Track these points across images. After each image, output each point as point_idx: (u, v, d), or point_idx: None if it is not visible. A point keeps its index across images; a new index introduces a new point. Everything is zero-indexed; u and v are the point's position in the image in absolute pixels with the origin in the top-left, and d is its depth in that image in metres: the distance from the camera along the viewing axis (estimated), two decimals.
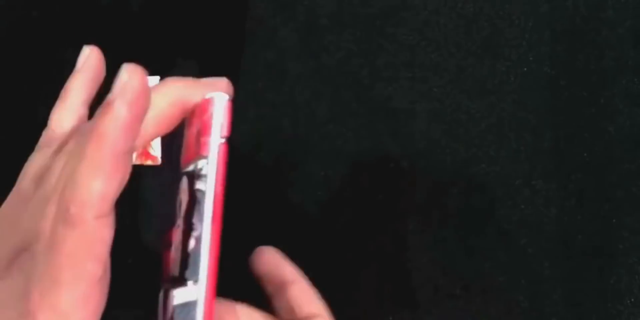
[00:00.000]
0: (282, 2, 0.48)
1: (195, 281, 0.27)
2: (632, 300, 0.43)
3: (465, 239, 0.47)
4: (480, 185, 0.47)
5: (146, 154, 0.46)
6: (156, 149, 0.46)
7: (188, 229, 0.28)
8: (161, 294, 0.31)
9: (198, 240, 0.28)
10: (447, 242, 0.47)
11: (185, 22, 0.47)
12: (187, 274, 0.28)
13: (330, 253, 0.46)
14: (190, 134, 0.30)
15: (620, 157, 0.47)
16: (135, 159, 0.46)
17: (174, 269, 0.29)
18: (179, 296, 0.28)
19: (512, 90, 0.47)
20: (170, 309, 0.30)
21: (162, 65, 0.47)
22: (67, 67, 0.47)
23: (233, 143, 0.29)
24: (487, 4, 0.47)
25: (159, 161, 0.46)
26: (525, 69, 0.47)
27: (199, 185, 0.28)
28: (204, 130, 0.28)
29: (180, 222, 0.29)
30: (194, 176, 0.28)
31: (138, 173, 0.47)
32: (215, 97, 0.30)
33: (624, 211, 0.46)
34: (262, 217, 0.46)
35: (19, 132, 0.47)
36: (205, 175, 0.28)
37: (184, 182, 0.29)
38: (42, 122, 0.37)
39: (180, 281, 0.28)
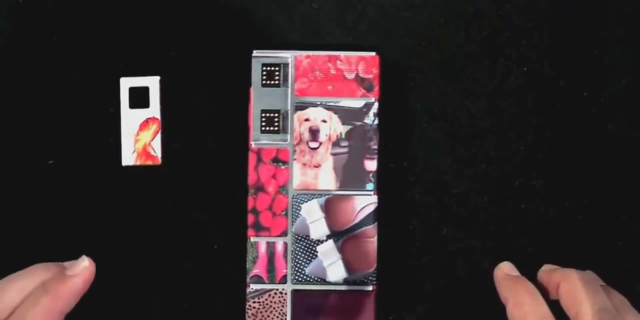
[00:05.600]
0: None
1: None
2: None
3: (464, 239, 0.47)
4: (480, 185, 0.47)
5: (146, 154, 0.46)
6: (156, 150, 0.46)
7: None
8: None
9: None
10: (446, 242, 0.47)
11: (185, 21, 0.47)
12: None
13: None
14: None
15: (620, 157, 0.47)
16: (136, 160, 0.46)
17: None
18: None
19: (512, 90, 0.47)
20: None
21: (161, 65, 0.47)
22: (62, 64, 0.47)
23: None
24: (487, 4, 0.47)
25: (159, 161, 0.46)
26: (525, 69, 0.47)
27: None
28: None
29: None
30: None
31: (139, 173, 0.47)
32: None
33: (625, 211, 0.46)
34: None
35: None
36: None
37: None
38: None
39: None
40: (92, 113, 0.47)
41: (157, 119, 0.46)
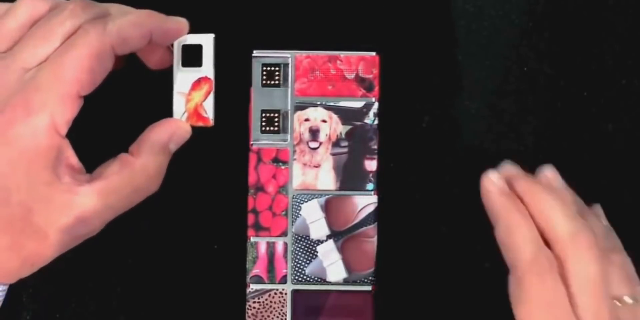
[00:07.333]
0: None
1: None
2: None
3: (464, 239, 0.47)
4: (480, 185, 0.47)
5: (197, 115, 0.45)
6: (208, 111, 0.45)
7: None
8: None
9: None
10: (446, 242, 0.47)
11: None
12: None
13: None
14: None
15: (620, 157, 0.47)
16: (187, 120, 0.44)
17: None
18: None
19: (512, 90, 0.47)
20: None
21: None
22: None
23: None
24: (487, 4, 0.47)
25: (210, 123, 0.45)
26: (525, 68, 0.47)
27: None
28: None
29: None
30: None
31: None
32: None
33: (624, 211, 0.46)
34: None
35: None
36: None
37: None
38: None
39: None
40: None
41: (210, 78, 0.44)
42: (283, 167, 0.46)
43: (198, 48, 0.44)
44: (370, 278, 0.46)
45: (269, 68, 0.46)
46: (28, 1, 0.41)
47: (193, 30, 0.47)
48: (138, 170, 0.41)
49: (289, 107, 0.46)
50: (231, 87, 0.47)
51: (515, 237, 0.41)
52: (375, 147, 0.46)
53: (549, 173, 0.44)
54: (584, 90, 0.47)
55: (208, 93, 0.44)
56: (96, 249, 0.46)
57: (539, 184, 0.43)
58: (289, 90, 0.46)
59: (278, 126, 0.46)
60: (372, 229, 0.46)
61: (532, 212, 0.42)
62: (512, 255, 0.42)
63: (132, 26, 0.41)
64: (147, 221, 0.47)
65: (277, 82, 0.46)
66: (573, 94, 0.47)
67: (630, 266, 0.43)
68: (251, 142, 0.46)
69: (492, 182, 0.44)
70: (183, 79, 0.44)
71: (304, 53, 0.46)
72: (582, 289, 0.40)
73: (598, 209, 0.46)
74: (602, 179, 0.47)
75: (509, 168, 0.44)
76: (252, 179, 0.46)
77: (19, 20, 0.40)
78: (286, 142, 0.46)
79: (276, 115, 0.46)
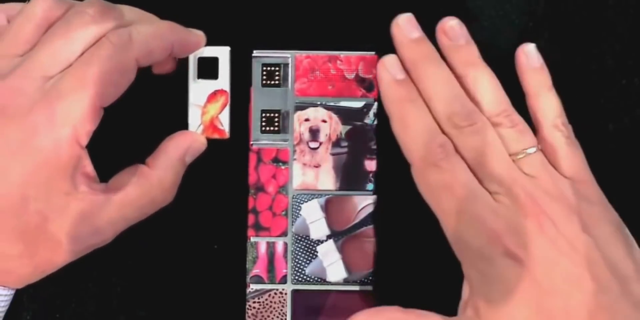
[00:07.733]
0: None
1: None
2: None
3: None
4: None
5: (213, 127, 0.45)
6: (224, 123, 0.45)
7: None
8: None
9: None
10: (446, 242, 0.47)
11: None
12: None
13: None
14: None
15: (621, 157, 0.47)
16: (202, 133, 0.45)
17: None
18: None
19: (512, 90, 0.47)
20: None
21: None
22: None
23: None
24: (487, 4, 0.47)
25: (226, 135, 0.45)
26: None
27: None
28: None
29: None
30: None
31: None
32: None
33: (624, 211, 0.46)
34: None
35: None
36: None
37: None
38: None
39: None
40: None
41: (226, 91, 0.45)
42: (283, 167, 0.46)
43: (213, 60, 0.44)
44: (370, 278, 0.46)
45: (269, 68, 0.46)
46: (41, 1, 0.40)
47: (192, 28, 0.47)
48: (155, 182, 0.41)
49: (289, 107, 0.46)
50: (231, 87, 0.47)
51: (406, 132, 0.41)
52: (375, 147, 0.46)
53: (449, 28, 0.42)
54: (584, 90, 0.47)
55: (224, 105, 0.44)
56: (96, 249, 0.46)
57: (424, 51, 0.42)
58: (289, 90, 0.46)
59: (278, 126, 0.46)
60: (371, 229, 0.46)
61: (419, 89, 0.42)
62: (406, 152, 0.42)
63: (155, 39, 0.41)
64: (147, 221, 0.47)
65: (277, 82, 0.46)
66: (573, 94, 0.47)
67: (519, 120, 0.43)
68: (251, 142, 0.46)
69: (385, 69, 0.43)
70: (198, 91, 0.45)
71: (304, 53, 0.46)
72: (479, 163, 0.40)
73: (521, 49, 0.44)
74: (602, 178, 0.47)
75: (403, 29, 0.42)
76: (252, 179, 0.46)
77: (34, 21, 0.40)
78: (286, 142, 0.46)
79: (276, 115, 0.46)
